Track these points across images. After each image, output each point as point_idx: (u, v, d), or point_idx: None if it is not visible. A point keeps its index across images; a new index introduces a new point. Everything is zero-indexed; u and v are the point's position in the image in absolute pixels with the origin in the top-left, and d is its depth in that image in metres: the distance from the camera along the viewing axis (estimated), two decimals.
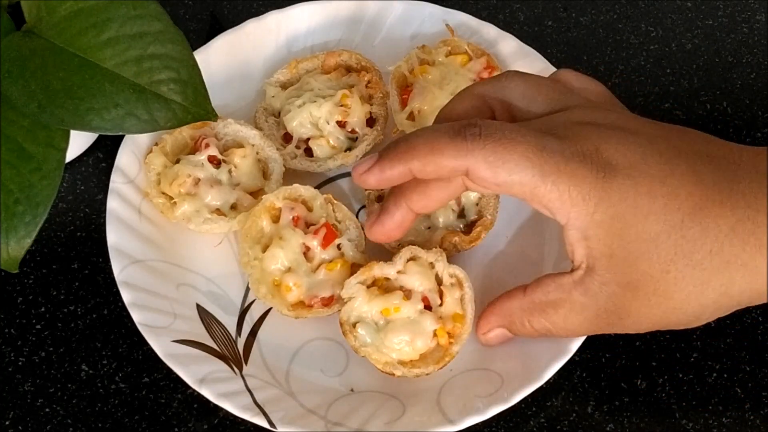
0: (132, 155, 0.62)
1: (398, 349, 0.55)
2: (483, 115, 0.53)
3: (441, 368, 0.55)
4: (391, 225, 0.54)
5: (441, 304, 0.56)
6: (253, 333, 0.58)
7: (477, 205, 0.60)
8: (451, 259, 0.57)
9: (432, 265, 0.56)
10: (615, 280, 0.48)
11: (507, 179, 0.47)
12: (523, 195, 0.48)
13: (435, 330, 0.55)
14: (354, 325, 0.55)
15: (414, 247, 0.57)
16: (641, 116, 0.53)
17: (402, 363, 0.55)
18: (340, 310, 0.56)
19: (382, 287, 0.56)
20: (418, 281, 0.56)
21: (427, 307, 0.55)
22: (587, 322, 0.50)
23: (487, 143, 0.47)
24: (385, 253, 0.59)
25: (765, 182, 0.47)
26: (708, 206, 0.46)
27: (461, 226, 0.60)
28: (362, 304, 0.55)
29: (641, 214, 0.46)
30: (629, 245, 0.47)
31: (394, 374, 0.55)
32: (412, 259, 0.57)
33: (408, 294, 0.56)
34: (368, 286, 0.56)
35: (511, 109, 0.53)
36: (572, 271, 0.50)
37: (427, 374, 0.55)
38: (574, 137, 0.48)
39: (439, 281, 0.56)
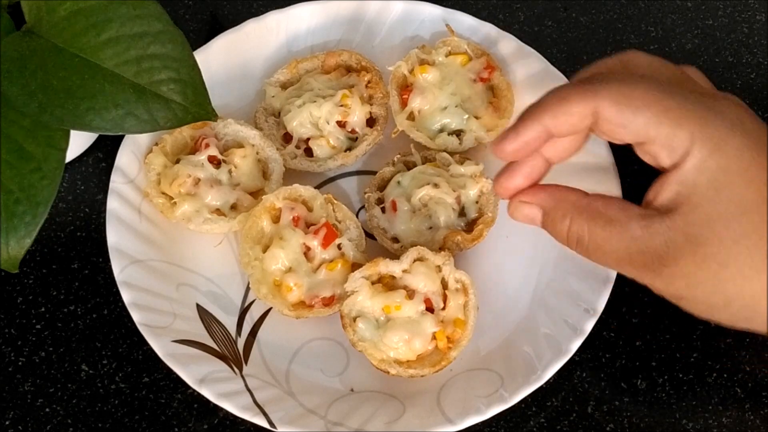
0: (132, 155, 0.62)
1: (396, 347, 0.55)
2: None
3: (437, 371, 0.55)
4: (522, 142, 0.49)
5: (444, 308, 0.56)
6: (253, 333, 0.58)
7: (477, 203, 0.60)
8: (454, 258, 0.57)
9: (439, 269, 0.56)
10: (684, 230, 0.47)
11: (632, 118, 0.47)
12: (647, 136, 0.47)
13: (434, 333, 0.55)
14: (354, 319, 0.55)
15: (422, 248, 0.57)
16: None
17: (398, 362, 0.55)
18: (341, 309, 0.56)
19: (387, 284, 0.56)
20: (422, 282, 0.56)
21: (429, 309, 0.55)
22: (626, 254, 0.48)
23: (612, 83, 0.48)
24: (387, 254, 0.59)
25: None
26: None
27: (462, 224, 0.60)
28: (365, 299, 0.55)
29: (746, 178, 0.46)
30: (719, 204, 0.46)
31: (388, 372, 0.55)
32: (419, 259, 0.57)
33: (411, 294, 0.56)
34: (373, 282, 0.56)
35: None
36: (645, 205, 0.49)
37: (422, 376, 0.55)
38: (704, 95, 0.49)
39: (444, 285, 0.56)
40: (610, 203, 0.50)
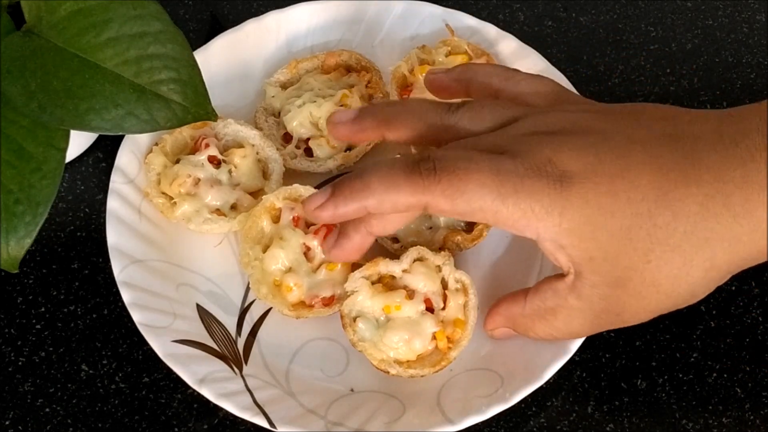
0: (132, 155, 0.62)
1: (396, 347, 0.55)
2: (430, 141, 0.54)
3: (437, 372, 0.55)
4: (350, 248, 0.53)
5: (444, 308, 0.56)
6: (253, 333, 0.58)
7: None
8: (454, 258, 0.57)
9: (439, 269, 0.56)
10: (602, 280, 0.48)
11: (467, 208, 0.47)
12: (487, 219, 0.48)
13: (434, 333, 0.55)
14: (354, 319, 0.55)
15: (422, 248, 0.57)
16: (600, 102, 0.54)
17: (398, 362, 0.55)
18: (341, 309, 0.56)
19: (387, 284, 0.56)
20: (422, 282, 0.56)
21: (429, 309, 0.55)
22: (588, 323, 0.50)
23: (443, 177, 0.47)
24: (387, 254, 0.59)
25: (726, 151, 0.46)
26: (673, 189, 0.46)
27: (462, 224, 0.60)
28: (365, 299, 0.55)
29: (607, 213, 0.46)
30: (604, 246, 0.47)
31: (388, 372, 0.55)
32: (419, 259, 0.57)
33: (411, 294, 0.56)
34: (373, 282, 0.56)
35: (461, 133, 0.52)
36: (565, 275, 0.50)
37: (422, 376, 0.55)
38: (526, 152, 0.48)
39: (444, 285, 0.56)
40: (544, 294, 0.51)
